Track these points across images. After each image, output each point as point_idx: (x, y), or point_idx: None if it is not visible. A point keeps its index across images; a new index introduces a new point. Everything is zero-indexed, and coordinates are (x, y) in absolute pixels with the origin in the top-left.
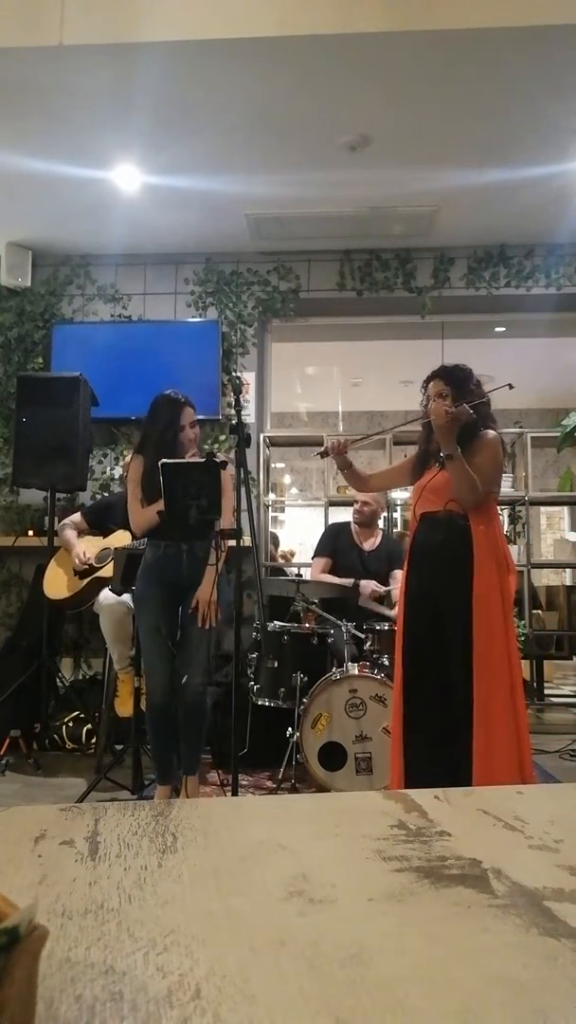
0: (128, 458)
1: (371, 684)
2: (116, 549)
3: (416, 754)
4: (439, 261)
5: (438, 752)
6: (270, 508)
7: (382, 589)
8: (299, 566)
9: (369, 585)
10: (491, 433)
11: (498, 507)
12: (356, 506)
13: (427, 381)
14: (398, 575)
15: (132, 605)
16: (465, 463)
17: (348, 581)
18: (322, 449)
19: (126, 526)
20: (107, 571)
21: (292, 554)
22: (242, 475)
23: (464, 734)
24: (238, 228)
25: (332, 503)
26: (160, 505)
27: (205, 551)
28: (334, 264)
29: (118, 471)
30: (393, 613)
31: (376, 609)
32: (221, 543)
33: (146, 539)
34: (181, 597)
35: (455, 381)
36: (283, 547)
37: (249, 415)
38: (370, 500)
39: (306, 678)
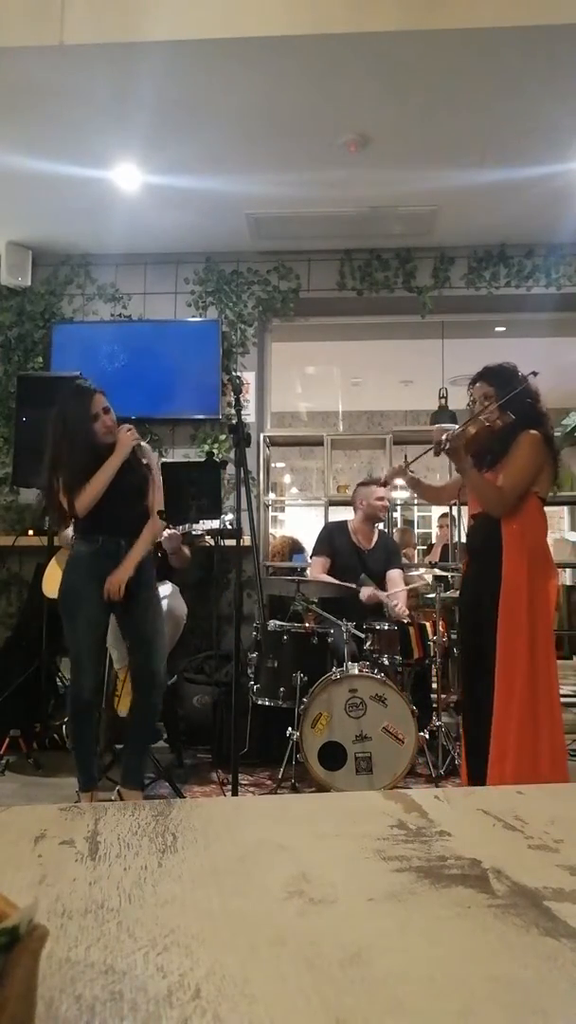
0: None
1: (371, 684)
2: None
3: (470, 753)
4: (439, 261)
5: (481, 753)
6: (270, 508)
7: (380, 595)
8: (299, 566)
9: (368, 590)
10: (529, 433)
11: (543, 506)
12: (379, 503)
13: (472, 382)
14: (395, 576)
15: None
16: (477, 476)
17: (350, 585)
18: (382, 479)
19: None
20: None
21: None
22: (242, 475)
23: (487, 737)
24: (238, 228)
25: (332, 503)
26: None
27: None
28: (334, 264)
29: None
30: (385, 625)
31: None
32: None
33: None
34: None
35: (499, 381)
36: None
37: (249, 415)
38: (386, 496)
39: (306, 678)
